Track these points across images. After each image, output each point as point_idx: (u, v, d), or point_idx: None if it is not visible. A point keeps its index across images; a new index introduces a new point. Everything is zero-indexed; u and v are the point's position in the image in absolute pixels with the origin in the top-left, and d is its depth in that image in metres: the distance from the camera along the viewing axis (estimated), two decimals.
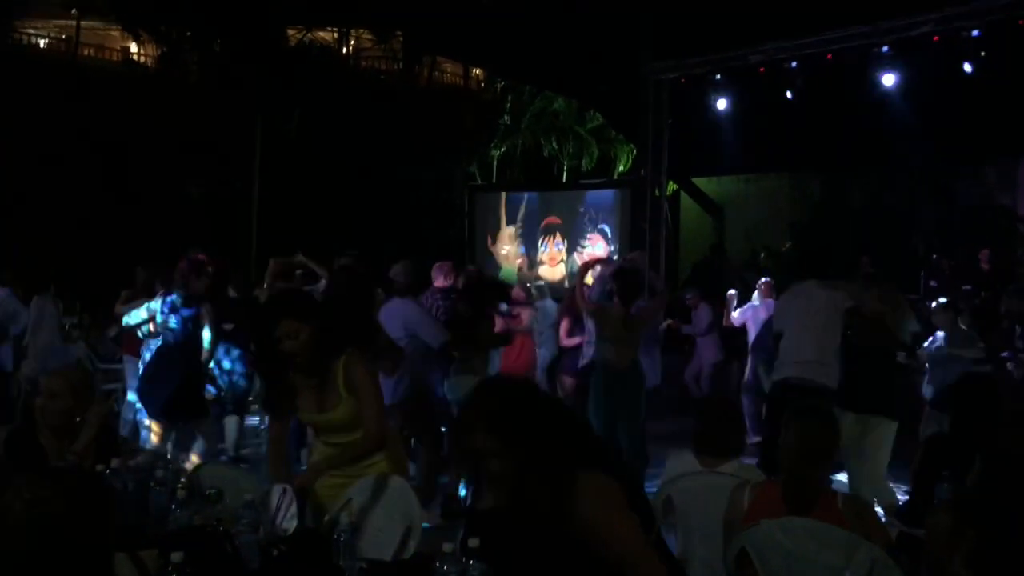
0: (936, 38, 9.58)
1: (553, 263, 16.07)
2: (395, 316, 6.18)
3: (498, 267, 16.18)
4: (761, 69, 10.83)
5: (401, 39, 20.27)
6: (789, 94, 11.01)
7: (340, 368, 3.53)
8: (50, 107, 16.69)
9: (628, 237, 14.37)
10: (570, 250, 15.79)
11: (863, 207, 13.48)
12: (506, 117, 19.99)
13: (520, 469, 2.30)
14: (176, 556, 2.29)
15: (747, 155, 13.41)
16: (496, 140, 20.01)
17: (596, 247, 15.28)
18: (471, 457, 2.37)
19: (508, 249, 16.62)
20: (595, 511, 2.32)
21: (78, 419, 3.64)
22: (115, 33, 22.54)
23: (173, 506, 3.15)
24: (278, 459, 3.69)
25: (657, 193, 11.84)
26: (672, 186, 13.94)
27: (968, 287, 9.85)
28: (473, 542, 2.48)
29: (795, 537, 2.86)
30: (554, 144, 19.70)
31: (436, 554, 2.53)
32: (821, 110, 11.37)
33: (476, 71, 23.50)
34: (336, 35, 22.00)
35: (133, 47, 22.57)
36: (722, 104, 11.91)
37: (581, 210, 15.69)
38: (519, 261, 16.17)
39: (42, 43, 22.58)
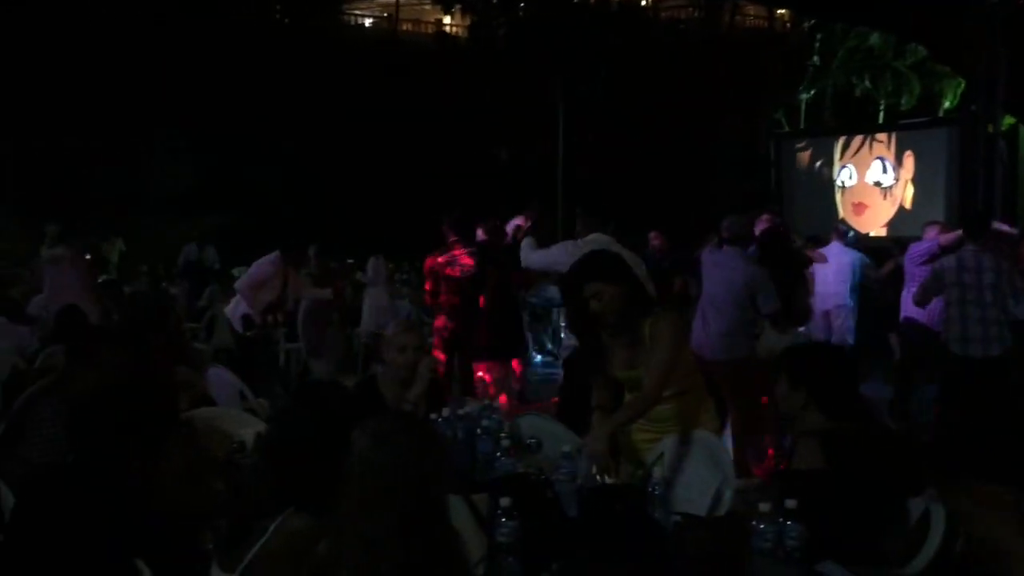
0: None
1: None
2: (725, 268, 6.06)
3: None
4: None
5: None
6: None
7: (647, 326, 3.58)
8: (375, 83, 18.17)
9: (958, 180, 13.10)
10: None
11: None
12: (815, 58, 18.90)
13: None
14: (505, 501, 2.45)
15: None
16: (804, 83, 19.02)
17: None
18: None
19: None
20: None
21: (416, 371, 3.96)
22: (428, 7, 24.02)
23: (498, 453, 3.36)
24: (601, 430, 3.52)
25: (991, 129, 10.70)
26: (1009, 120, 12.50)
27: None
28: (790, 503, 2.44)
29: None
30: (867, 83, 18.39)
31: (752, 513, 2.52)
32: None
33: (781, 12, 22.42)
34: None
35: (446, 19, 23.89)
36: None
37: None
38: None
39: (367, 22, 24.52)
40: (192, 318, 10.00)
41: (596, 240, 5.47)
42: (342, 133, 17.54)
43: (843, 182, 15.55)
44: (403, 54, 20.02)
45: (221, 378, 5.28)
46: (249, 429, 3.71)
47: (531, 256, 6.01)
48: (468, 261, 7.06)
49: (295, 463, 2.38)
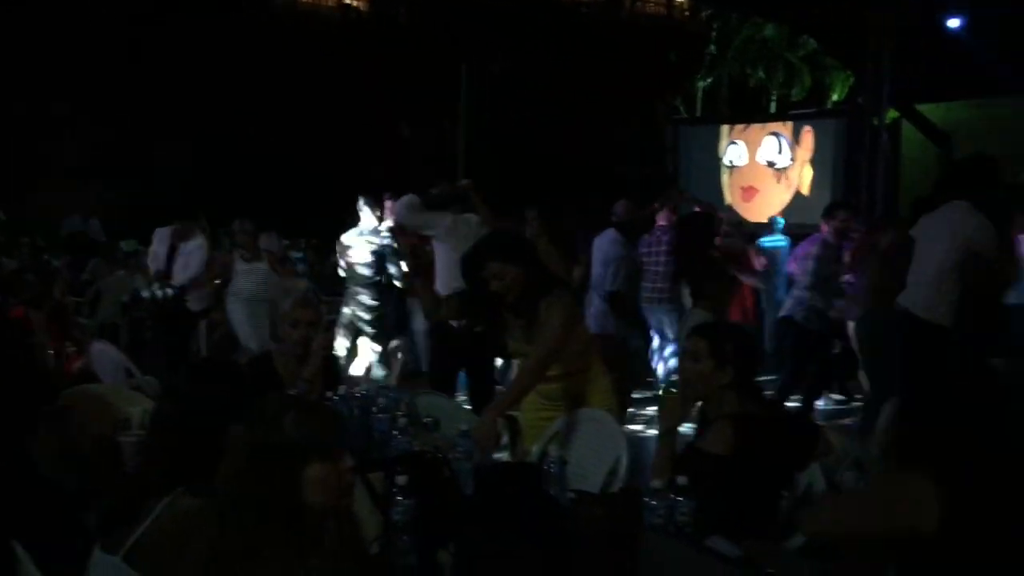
0: None
1: None
2: (599, 251, 6.41)
3: None
4: None
5: None
6: None
7: (544, 307, 3.61)
8: (271, 55, 17.76)
9: (843, 172, 13.43)
10: None
11: None
12: (712, 47, 19.30)
13: None
14: (401, 479, 2.44)
15: (980, 78, 12.25)
16: (702, 71, 19.41)
17: None
18: None
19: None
20: None
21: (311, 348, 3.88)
22: None
23: (395, 432, 3.34)
24: None
25: (876, 122, 11.15)
26: (892, 114, 13.02)
27: None
28: (682, 479, 2.49)
29: None
30: (761, 74, 18.88)
31: (645, 489, 2.56)
32: None
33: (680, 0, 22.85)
34: None
35: None
36: (954, 23, 11.01)
37: None
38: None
39: None
40: (75, 292, 9.60)
41: (469, 219, 5.64)
42: (239, 107, 17.12)
43: (731, 161, 14.23)
44: (303, 28, 19.60)
45: (105, 354, 5.11)
46: (135, 407, 3.59)
47: (410, 216, 6.01)
48: (365, 247, 6.99)
49: (186, 442, 2.31)
